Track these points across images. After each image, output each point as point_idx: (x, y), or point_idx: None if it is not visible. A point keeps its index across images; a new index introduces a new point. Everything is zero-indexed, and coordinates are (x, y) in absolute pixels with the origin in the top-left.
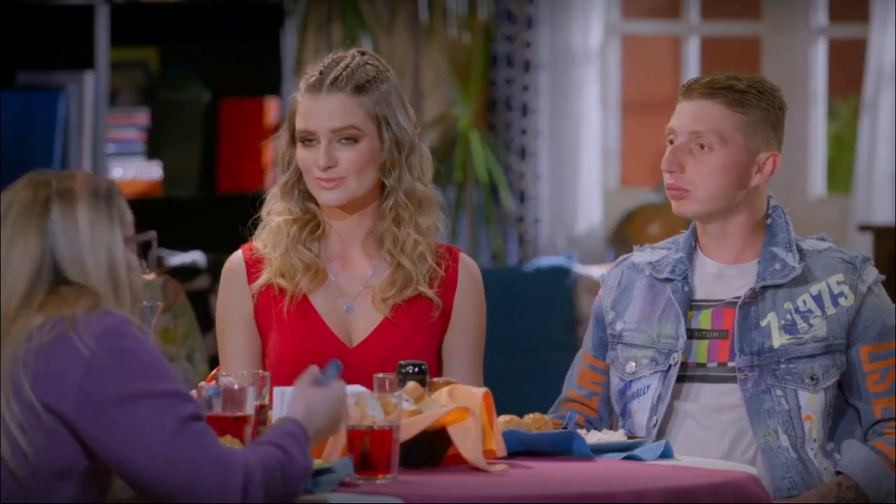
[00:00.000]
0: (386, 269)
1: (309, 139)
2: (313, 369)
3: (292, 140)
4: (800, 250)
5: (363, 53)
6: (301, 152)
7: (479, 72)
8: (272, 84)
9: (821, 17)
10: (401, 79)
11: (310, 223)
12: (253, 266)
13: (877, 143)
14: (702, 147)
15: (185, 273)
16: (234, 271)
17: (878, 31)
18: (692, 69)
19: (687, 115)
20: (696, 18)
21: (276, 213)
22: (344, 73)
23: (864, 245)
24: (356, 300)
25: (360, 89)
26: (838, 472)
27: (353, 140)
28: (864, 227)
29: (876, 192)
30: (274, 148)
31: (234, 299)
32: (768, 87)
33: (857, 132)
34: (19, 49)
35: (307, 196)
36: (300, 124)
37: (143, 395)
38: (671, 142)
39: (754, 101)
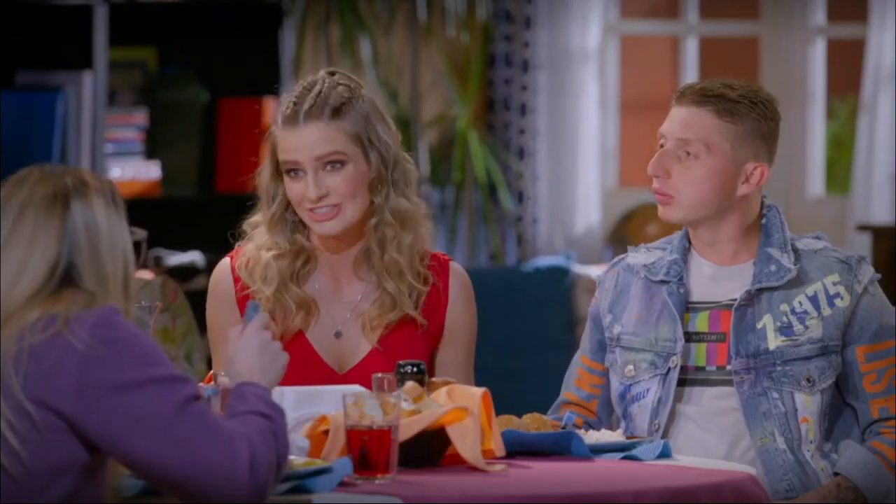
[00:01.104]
0: (373, 292)
1: (295, 171)
2: (234, 329)
3: (276, 173)
4: (795, 251)
5: (333, 74)
6: (290, 185)
7: (477, 72)
8: (270, 84)
9: (819, 17)
10: (399, 79)
11: (298, 257)
12: (242, 284)
13: (875, 142)
14: (688, 154)
15: (183, 273)
16: (220, 282)
17: (876, 30)
18: (691, 69)
19: (677, 122)
20: (694, 18)
21: (264, 248)
22: (318, 101)
23: (862, 245)
24: (345, 325)
25: (336, 113)
26: (836, 474)
27: (340, 164)
28: (862, 227)
29: (874, 191)
30: (258, 182)
31: (221, 311)
32: (762, 97)
33: (855, 132)
34: (18, 49)
35: (294, 227)
36: (283, 156)
37: (140, 382)
38: (661, 146)
39: (745, 111)
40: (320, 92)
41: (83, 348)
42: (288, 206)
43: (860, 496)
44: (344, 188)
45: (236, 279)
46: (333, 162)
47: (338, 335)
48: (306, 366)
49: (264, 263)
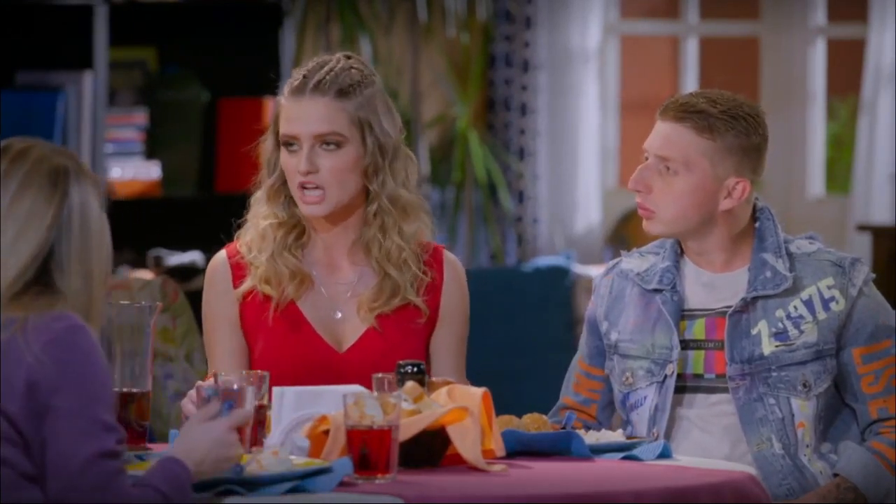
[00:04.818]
0: (372, 276)
1: (291, 143)
2: (204, 409)
3: (277, 143)
4: (789, 255)
5: (349, 57)
6: (285, 157)
7: (477, 72)
8: (270, 84)
9: (819, 17)
10: (399, 79)
11: (295, 228)
12: (237, 268)
13: (875, 142)
14: (668, 169)
15: (183, 273)
16: (217, 272)
17: (876, 31)
18: (691, 69)
19: (658, 138)
20: (694, 18)
21: (261, 216)
22: (327, 77)
23: (862, 245)
24: (344, 306)
25: (342, 93)
26: (836, 475)
27: (336, 145)
28: (862, 227)
29: (874, 191)
30: (261, 151)
31: (218, 301)
32: (745, 112)
33: (855, 132)
34: (18, 49)
35: (293, 200)
36: (283, 128)
37: (72, 414)
38: (646, 159)
39: (724, 128)
40: (331, 70)
41: (31, 361)
42: (285, 179)
43: (860, 496)
44: (333, 172)
45: (233, 266)
46: (329, 142)
47: (338, 316)
48: (308, 346)
49: (261, 232)
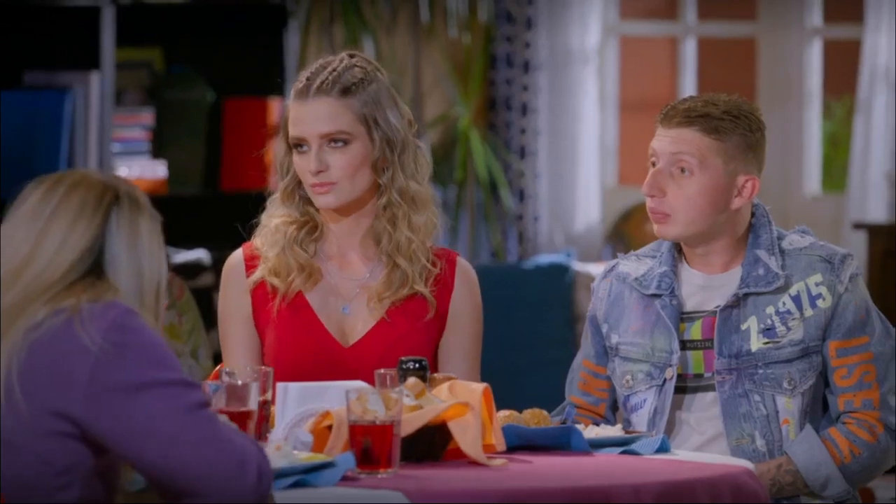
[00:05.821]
0: (382, 272)
1: (301, 145)
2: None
3: (289, 147)
4: (781, 251)
5: (352, 56)
6: (296, 159)
7: (479, 72)
8: (275, 84)
9: (815, 17)
10: (401, 79)
11: (307, 224)
12: (251, 264)
13: (870, 141)
14: (682, 171)
15: (189, 270)
16: (233, 269)
17: (871, 31)
18: (689, 69)
19: (669, 140)
20: (692, 19)
21: (276, 217)
22: (330, 78)
23: (858, 243)
24: (353, 302)
25: (346, 92)
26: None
27: (344, 143)
28: (858, 225)
29: (870, 190)
30: (273, 155)
31: (233, 297)
32: (745, 110)
33: (851, 131)
34: (26, 49)
35: (307, 200)
36: (291, 131)
37: (151, 384)
38: (653, 164)
39: (730, 127)
40: (334, 70)
41: (96, 350)
42: (299, 181)
43: (799, 479)
44: (343, 168)
45: (248, 263)
46: (337, 140)
47: (345, 311)
48: (314, 340)
49: (274, 228)
